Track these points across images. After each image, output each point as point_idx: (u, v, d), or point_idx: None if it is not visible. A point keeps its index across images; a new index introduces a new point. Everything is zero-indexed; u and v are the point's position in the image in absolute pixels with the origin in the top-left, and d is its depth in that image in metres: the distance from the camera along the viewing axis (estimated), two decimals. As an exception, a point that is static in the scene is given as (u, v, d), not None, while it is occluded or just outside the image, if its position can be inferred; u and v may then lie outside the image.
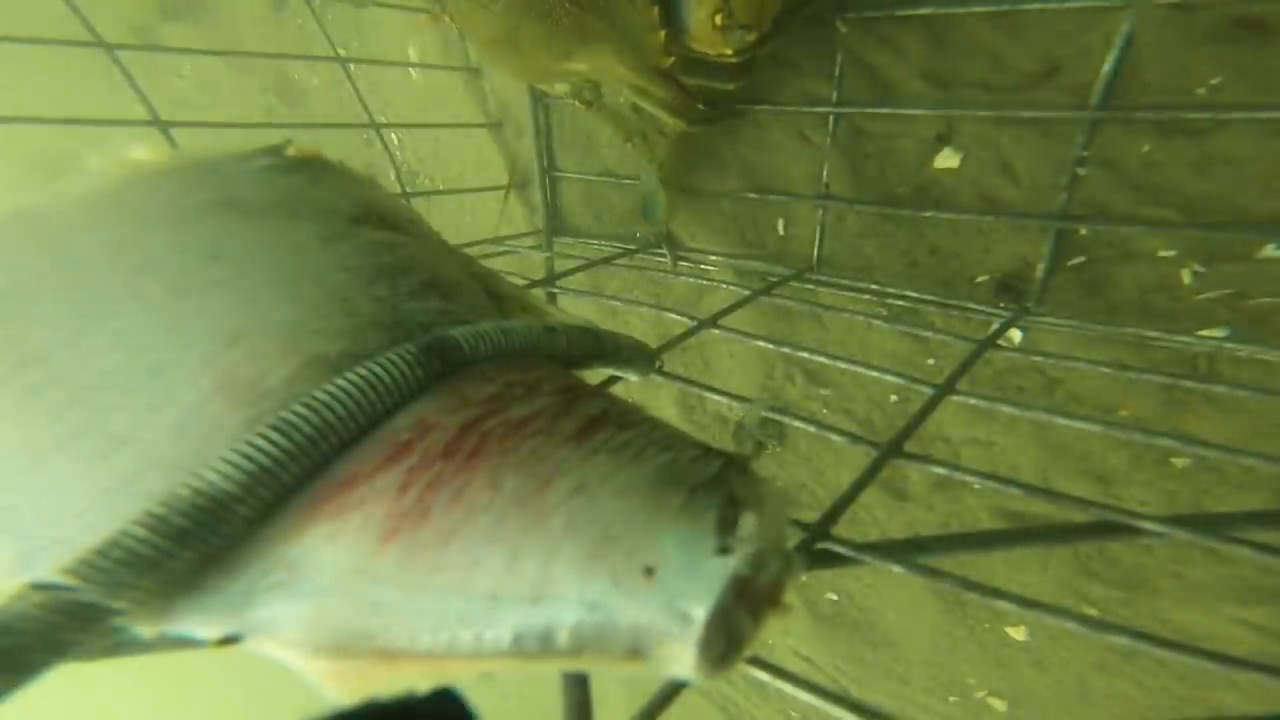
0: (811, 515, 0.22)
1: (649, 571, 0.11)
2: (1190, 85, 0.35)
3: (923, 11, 0.40)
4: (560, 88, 0.45)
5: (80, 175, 0.19)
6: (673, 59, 0.39)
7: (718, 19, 0.36)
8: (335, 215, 0.19)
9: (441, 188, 0.68)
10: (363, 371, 0.14)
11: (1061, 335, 0.41)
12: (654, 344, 0.25)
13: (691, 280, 0.52)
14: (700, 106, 0.43)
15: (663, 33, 0.37)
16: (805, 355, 0.33)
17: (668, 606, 0.11)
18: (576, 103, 0.45)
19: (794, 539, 0.21)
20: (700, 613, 0.11)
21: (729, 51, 0.37)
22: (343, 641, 0.12)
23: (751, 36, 0.37)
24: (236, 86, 0.83)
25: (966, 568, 0.49)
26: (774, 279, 0.46)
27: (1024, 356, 0.43)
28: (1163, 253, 0.38)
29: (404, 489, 0.13)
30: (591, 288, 0.60)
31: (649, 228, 0.53)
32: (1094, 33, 0.36)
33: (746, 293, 0.41)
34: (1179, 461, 0.41)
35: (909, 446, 0.25)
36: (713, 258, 0.53)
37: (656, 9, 0.36)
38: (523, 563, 0.12)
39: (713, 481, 0.13)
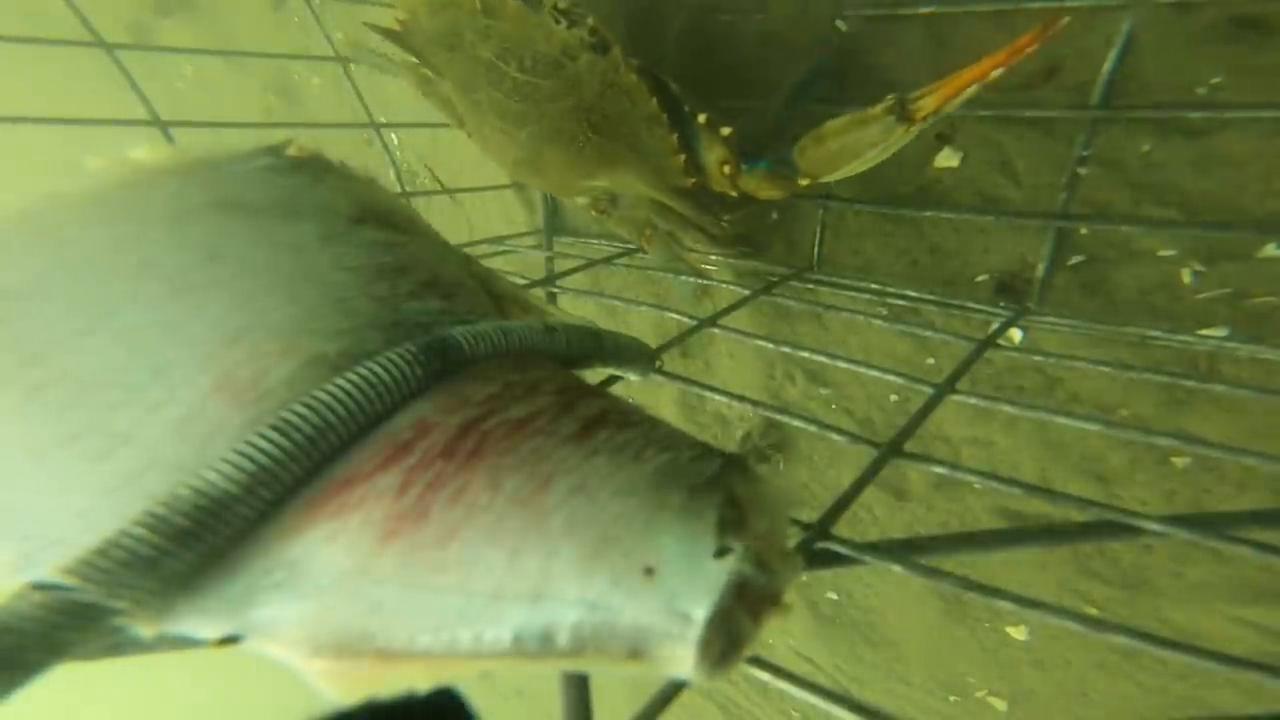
0: (811, 515, 0.22)
1: (649, 571, 0.11)
2: (1190, 85, 0.35)
3: (924, 11, 0.40)
4: (580, 200, 0.46)
5: (80, 175, 0.19)
6: (695, 180, 0.40)
7: (726, 169, 0.38)
8: (335, 215, 0.19)
9: (441, 187, 0.68)
10: (363, 371, 0.14)
11: (1062, 335, 0.41)
12: (654, 344, 0.25)
13: (691, 280, 0.52)
14: (725, 221, 0.43)
15: (683, 156, 0.38)
16: (805, 355, 0.33)
17: (668, 606, 0.11)
18: (593, 211, 0.46)
19: (794, 539, 0.21)
20: (700, 613, 0.11)
21: (733, 194, 0.39)
22: (343, 641, 0.12)
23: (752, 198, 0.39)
24: (236, 86, 0.83)
25: (966, 568, 0.49)
26: (774, 278, 0.46)
27: (1024, 356, 0.43)
28: (1163, 252, 0.38)
29: (404, 489, 0.13)
30: (591, 287, 0.60)
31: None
32: (1094, 33, 0.36)
33: (746, 292, 0.41)
34: (1179, 461, 0.41)
35: (909, 446, 0.25)
36: (713, 257, 0.52)
37: (676, 136, 0.38)
38: (523, 562, 0.12)
39: (713, 481, 0.13)
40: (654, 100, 0.37)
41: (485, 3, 0.35)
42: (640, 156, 0.39)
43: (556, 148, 0.39)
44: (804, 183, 0.37)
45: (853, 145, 0.34)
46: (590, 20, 0.35)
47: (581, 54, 0.35)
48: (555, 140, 0.39)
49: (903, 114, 0.31)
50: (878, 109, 0.32)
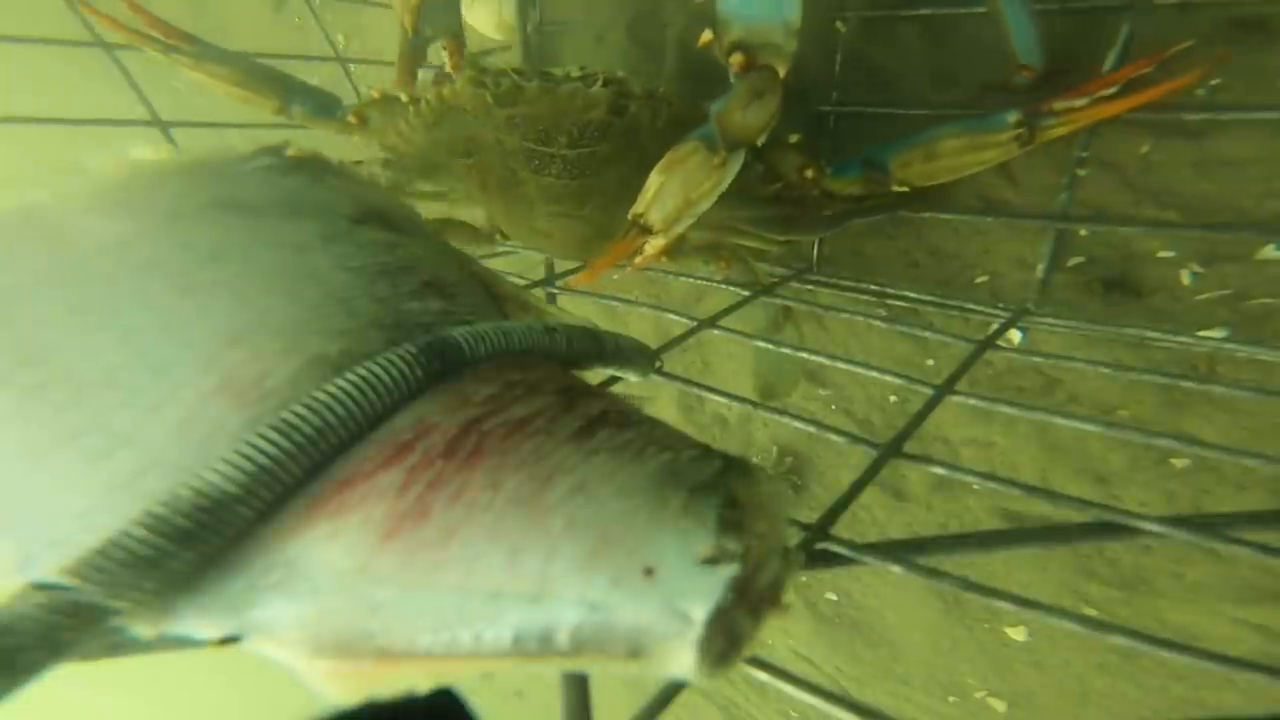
0: (811, 515, 0.22)
1: (649, 571, 0.11)
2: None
3: (923, 11, 0.40)
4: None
5: (81, 175, 0.19)
6: (775, 186, 0.39)
7: (808, 173, 0.37)
8: (335, 215, 0.19)
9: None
10: (363, 371, 0.14)
11: (1061, 335, 0.41)
12: (654, 344, 0.25)
13: (691, 280, 0.52)
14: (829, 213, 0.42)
15: (761, 166, 0.38)
16: (805, 355, 0.33)
17: (667, 606, 0.11)
18: (663, 258, 0.45)
19: (794, 539, 0.21)
20: (700, 613, 0.11)
21: (815, 193, 0.38)
22: (343, 641, 0.12)
23: None
24: (236, 86, 0.83)
25: (966, 568, 0.49)
26: (774, 279, 0.46)
27: (1023, 357, 0.43)
28: (1162, 253, 0.38)
29: (404, 488, 0.13)
30: (591, 287, 0.60)
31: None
32: (1094, 33, 0.36)
33: (746, 293, 0.41)
34: (1179, 462, 0.41)
35: (909, 447, 0.25)
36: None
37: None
38: (523, 562, 0.12)
39: (713, 481, 0.13)
40: None
41: (498, 95, 0.34)
42: None
43: (627, 206, 0.38)
44: (898, 188, 0.36)
45: (965, 163, 0.33)
46: (619, 73, 0.35)
47: (630, 104, 0.35)
48: (625, 199, 0.37)
49: (1029, 139, 0.30)
50: (1003, 134, 0.31)
